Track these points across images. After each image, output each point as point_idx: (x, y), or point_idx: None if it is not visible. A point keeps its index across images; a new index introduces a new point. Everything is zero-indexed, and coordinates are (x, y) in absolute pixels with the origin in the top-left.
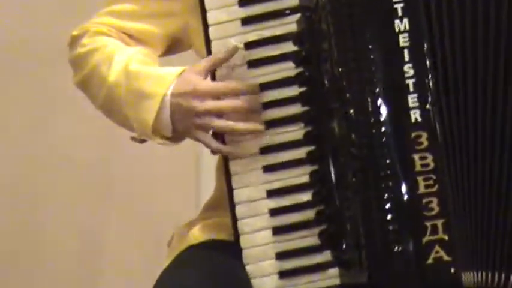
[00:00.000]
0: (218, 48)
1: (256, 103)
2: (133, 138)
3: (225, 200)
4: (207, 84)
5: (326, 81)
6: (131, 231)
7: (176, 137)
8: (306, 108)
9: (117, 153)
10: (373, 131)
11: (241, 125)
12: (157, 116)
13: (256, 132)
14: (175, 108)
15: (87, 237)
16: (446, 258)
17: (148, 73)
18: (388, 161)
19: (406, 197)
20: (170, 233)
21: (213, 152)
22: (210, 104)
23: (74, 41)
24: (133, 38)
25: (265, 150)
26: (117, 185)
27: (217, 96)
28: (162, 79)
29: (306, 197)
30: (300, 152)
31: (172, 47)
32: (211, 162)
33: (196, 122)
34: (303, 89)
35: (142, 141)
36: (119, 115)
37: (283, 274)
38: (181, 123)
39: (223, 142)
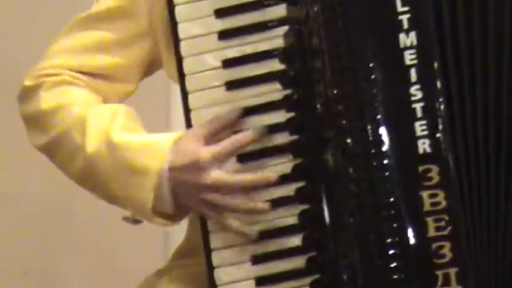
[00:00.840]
0: (191, 67)
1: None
2: (125, 219)
3: (198, 245)
4: (209, 152)
5: (318, 106)
6: (90, 282)
7: (179, 214)
8: (294, 137)
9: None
10: (374, 163)
11: (251, 203)
12: (155, 195)
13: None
14: (175, 184)
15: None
16: None
17: (136, 143)
18: (391, 199)
19: (413, 241)
20: (135, 284)
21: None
22: (215, 177)
23: (28, 94)
24: (100, 77)
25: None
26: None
27: (220, 162)
28: (155, 150)
29: (294, 241)
30: (288, 189)
31: (148, 71)
32: None
33: (205, 197)
34: (291, 114)
35: (137, 221)
36: (102, 190)
37: None
38: (186, 199)
39: None
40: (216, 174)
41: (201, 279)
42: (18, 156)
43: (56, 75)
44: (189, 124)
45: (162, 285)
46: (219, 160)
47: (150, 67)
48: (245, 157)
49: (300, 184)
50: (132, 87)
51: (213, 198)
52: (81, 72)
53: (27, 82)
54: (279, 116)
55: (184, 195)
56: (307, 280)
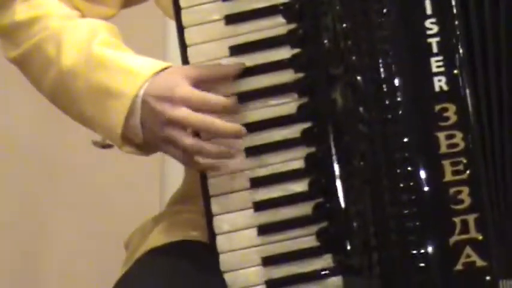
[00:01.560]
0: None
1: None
2: (95, 143)
3: (197, 191)
4: (189, 89)
5: (326, 41)
6: (81, 227)
7: (146, 146)
8: (300, 74)
9: (69, 136)
10: (387, 102)
11: (214, 147)
12: (126, 121)
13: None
14: (146, 112)
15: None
16: (479, 263)
17: (118, 63)
18: (405, 140)
19: (428, 186)
20: (128, 231)
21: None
22: (183, 114)
23: (3, 3)
24: None
25: (249, 127)
26: (62, 172)
27: (196, 107)
28: (136, 75)
29: (300, 187)
30: (293, 130)
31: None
32: None
33: (163, 132)
34: (296, 50)
35: (106, 146)
36: (72, 109)
37: (271, 285)
38: (150, 131)
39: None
40: (185, 111)
41: (199, 225)
42: None
43: None
44: (185, 61)
45: (158, 231)
46: (192, 103)
47: None
48: (246, 96)
49: (306, 125)
50: (113, 12)
51: (174, 134)
52: None
53: None
54: (283, 53)
55: (150, 126)
56: (314, 228)
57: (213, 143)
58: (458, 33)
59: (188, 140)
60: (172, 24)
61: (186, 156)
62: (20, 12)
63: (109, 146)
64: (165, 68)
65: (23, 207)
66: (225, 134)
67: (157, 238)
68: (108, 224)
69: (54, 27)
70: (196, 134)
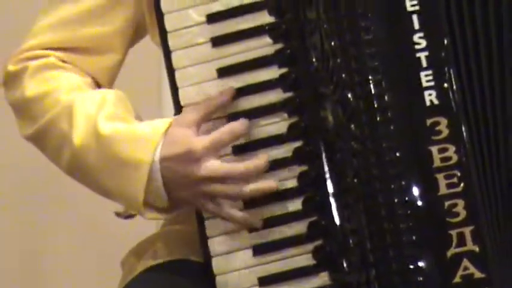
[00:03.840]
0: (173, 23)
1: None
2: (118, 214)
3: (191, 210)
4: (203, 142)
5: (314, 59)
6: (78, 247)
7: (173, 207)
8: (288, 94)
9: None
10: (378, 118)
11: (252, 187)
12: (147, 188)
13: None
14: (168, 176)
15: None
16: (477, 275)
17: (125, 134)
18: (398, 155)
19: (423, 200)
20: (125, 251)
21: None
22: (212, 167)
23: (12, 80)
24: (85, 52)
25: (240, 149)
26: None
27: (215, 152)
28: (145, 141)
29: (294, 205)
30: (285, 150)
31: (134, 37)
32: None
33: (202, 189)
34: (283, 70)
35: (129, 217)
36: (93, 184)
37: None
38: (180, 192)
39: None
40: (211, 165)
41: (195, 245)
42: None
43: (40, 57)
44: (173, 85)
45: (154, 251)
46: (213, 150)
47: (136, 32)
48: (235, 118)
49: (297, 144)
50: (120, 57)
51: (213, 189)
52: (66, 49)
53: (11, 67)
54: (271, 72)
55: (179, 188)
56: (309, 247)
57: None
58: (446, 46)
59: (229, 187)
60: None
61: (227, 207)
62: (29, 88)
63: (132, 216)
64: (169, 125)
65: (22, 233)
66: (249, 174)
67: (154, 257)
68: (104, 244)
69: (64, 101)
70: None
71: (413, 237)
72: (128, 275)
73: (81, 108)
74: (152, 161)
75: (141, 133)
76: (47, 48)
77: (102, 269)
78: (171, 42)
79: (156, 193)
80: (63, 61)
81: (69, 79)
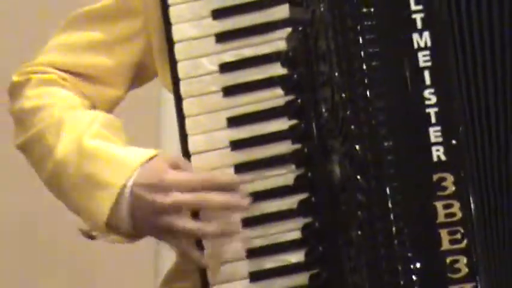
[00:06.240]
0: (186, 71)
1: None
2: (82, 231)
3: (189, 267)
4: (176, 174)
5: (324, 111)
6: None
7: (137, 234)
8: (297, 146)
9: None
10: (385, 172)
11: (214, 226)
12: (112, 211)
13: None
14: (136, 203)
15: None
16: None
17: (106, 155)
18: (403, 209)
19: (425, 255)
20: None
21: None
22: (175, 199)
23: (16, 90)
24: (87, 79)
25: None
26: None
27: (187, 190)
28: (123, 166)
29: (296, 257)
30: (290, 202)
31: (136, 77)
32: None
33: (158, 221)
34: (293, 121)
35: (92, 237)
36: (64, 198)
37: None
38: (143, 221)
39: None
40: (176, 195)
41: None
42: None
43: (43, 72)
44: (183, 132)
45: None
46: (186, 188)
47: (140, 72)
48: (243, 168)
49: (303, 196)
50: (120, 93)
51: (171, 221)
52: (69, 72)
53: (16, 78)
54: (281, 124)
55: (142, 216)
56: None
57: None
58: (456, 103)
59: (189, 224)
60: (166, 102)
61: (185, 243)
62: (28, 100)
63: (94, 238)
64: (153, 157)
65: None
66: (225, 204)
67: None
68: None
69: (57, 116)
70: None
71: None
72: None
73: (71, 125)
74: (124, 185)
75: (122, 157)
76: (52, 67)
77: None
78: (183, 89)
79: (120, 216)
80: (65, 80)
81: (66, 97)
